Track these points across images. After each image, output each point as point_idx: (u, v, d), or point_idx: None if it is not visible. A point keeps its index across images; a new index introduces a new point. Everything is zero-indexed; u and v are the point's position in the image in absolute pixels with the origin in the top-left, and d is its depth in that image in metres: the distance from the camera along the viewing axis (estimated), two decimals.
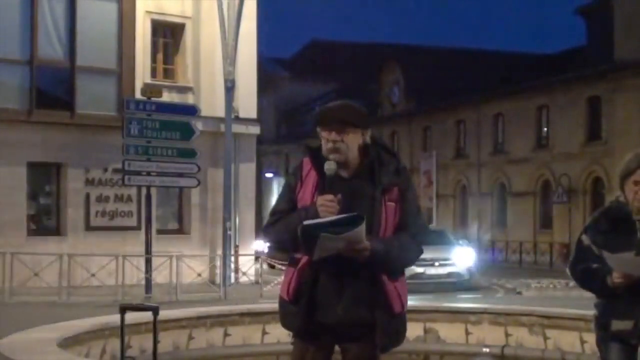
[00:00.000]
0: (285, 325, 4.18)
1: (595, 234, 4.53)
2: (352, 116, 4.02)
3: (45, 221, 20.45)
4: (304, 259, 4.00)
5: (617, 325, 4.46)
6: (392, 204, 3.99)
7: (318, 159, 4.06)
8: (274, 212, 4.16)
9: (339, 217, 3.81)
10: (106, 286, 17.25)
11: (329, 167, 3.96)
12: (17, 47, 19.50)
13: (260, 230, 21.21)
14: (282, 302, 4.14)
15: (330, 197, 3.88)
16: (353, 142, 4.00)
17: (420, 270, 20.48)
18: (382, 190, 3.98)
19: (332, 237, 3.79)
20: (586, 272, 4.55)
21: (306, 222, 3.83)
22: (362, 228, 3.80)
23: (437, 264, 21.47)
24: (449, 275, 21.81)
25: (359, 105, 4.12)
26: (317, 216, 3.87)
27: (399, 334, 4.12)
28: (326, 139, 4.00)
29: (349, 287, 3.95)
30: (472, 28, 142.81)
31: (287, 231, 3.99)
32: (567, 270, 4.72)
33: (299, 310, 4.01)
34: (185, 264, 18.09)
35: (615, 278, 4.37)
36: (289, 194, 4.13)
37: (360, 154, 4.04)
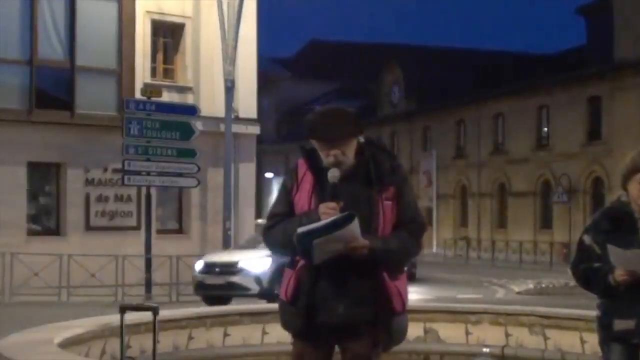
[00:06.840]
0: (286, 326, 4.20)
1: (597, 233, 4.52)
2: (349, 129, 3.99)
3: (45, 221, 20.45)
4: (302, 260, 4.01)
5: (620, 324, 4.45)
6: (389, 203, 4.00)
7: (313, 160, 4.06)
8: (272, 215, 4.16)
9: (330, 219, 3.81)
10: (106, 286, 17.26)
11: (333, 174, 3.94)
12: (17, 47, 19.51)
13: (259, 230, 21.12)
14: (281, 303, 4.16)
15: (332, 204, 3.88)
16: (352, 149, 4.01)
17: (199, 277, 16.78)
18: (378, 190, 3.99)
19: (325, 240, 3.79)
20: (588, 272, 4.54)
21: (300, 230, 3.84)
22: (354, 225, 3.80)
23: (217, 270, 16.78)
24: (230, 286, 16.59)
25: (350, 110, 4.09)
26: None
27: (400, 333, 4.16)
28: (326, 153, 3.98)
29: (350, 287, 3.96)
30: (472, 28, 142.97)
31: (285, 236, 4.00)
32: (569, 271, 4.71)
33: (298, 311, 4.02)
34: (185, 264, 18.09)
35: (619, 275, 4.35)
36: (286, 196, 4.12)
37: (356, 153, 4.04)
